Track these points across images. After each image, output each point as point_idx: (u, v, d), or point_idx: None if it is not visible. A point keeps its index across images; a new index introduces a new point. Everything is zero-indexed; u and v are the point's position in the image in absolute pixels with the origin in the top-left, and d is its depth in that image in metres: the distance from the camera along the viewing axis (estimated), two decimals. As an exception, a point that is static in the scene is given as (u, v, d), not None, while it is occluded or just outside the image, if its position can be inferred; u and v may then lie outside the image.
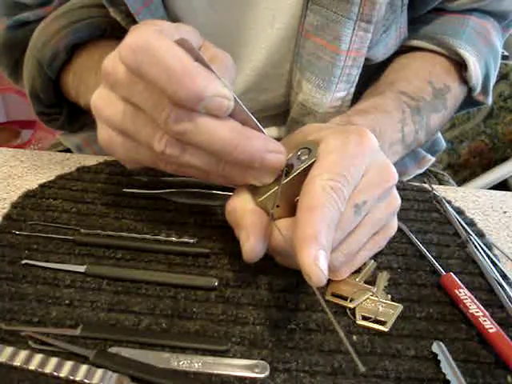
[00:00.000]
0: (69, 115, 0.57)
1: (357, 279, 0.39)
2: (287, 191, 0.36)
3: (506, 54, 1.05)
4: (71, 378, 0.31)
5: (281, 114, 0.58)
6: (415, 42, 0.57)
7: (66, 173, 0.50)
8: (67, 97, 0.55)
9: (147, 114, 0.34)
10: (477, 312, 0.36)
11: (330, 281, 0.39)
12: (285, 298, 0.38)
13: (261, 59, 0.53)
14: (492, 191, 0.53)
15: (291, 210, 0.36)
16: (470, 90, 0.58)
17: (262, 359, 0.33)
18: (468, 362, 0.34)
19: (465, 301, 0.37)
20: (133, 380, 0.31)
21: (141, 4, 0.47)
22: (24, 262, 0.39)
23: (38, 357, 0.32)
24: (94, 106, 0.37)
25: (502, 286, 0.39)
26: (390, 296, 0.38)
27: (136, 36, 0.32)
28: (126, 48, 0.32)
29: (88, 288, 0.38)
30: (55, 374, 0.31)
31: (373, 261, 0.41)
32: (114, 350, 0.33)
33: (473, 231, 0.45)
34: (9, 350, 0.32)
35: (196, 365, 0.33)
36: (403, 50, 0.58)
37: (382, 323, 0.36)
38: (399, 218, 0.40)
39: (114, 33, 0.52)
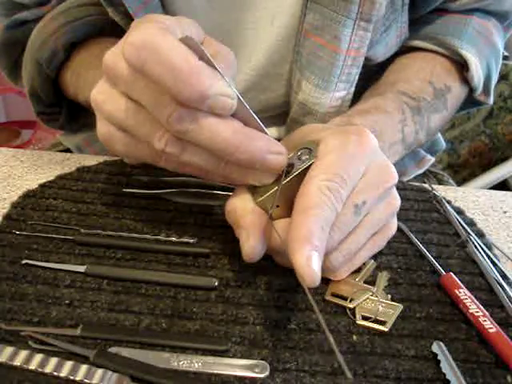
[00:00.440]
0: (68, 115, 0.57)
1: (357, 279, 0.39)
2: (287, 191, 0.36)
3: (506, 54, 1.05)
4: (71, 377, 0.31)
5: (281, 113, 0.58)
6: (416, 43, 0.57)
7: (66, 173, 0.50)
8: (66, 94, 0.55)
9: (148, 111, 0.34)
10: (477, 312, 0.36)
11: (329, 281, 0.39)
12: (285, 298, 0.38)
13: (260, 59, 0.53)
14: (492, 191, 0.53)
15: (291, 209, 0.36)
16: (472, 90, 0.58)
17: (262, 359, 0.33)
18: (468, 361, 0.34)
19: (465, 301, 0.37)
20: (133, 380, 0.31)
21: (139, 4, 0.47)
22: (24, 261, 0.39)
23: (38, 357, 0.32)
24: (94, 101, 0.37)
25: (501, 286, 0.39)
26: (389, 296, 0.38)
27: (140, 33, 0.31)
28: (130, 45, 0.32)
29: (88, 288, 0.38)
30: (55, 373, 0.31)
31: (373, 261, 0.41)
32: (113, 349, 0.33)
33: (473, 231, 0.45)
34: (9, 349, 0.32)
35: (196, 365, 0.33)
36: (404, 50, 0.58)
37: (382, 323, 0.36)
38: (399, 218, 0.40)
39: (112, 31, 0.52)
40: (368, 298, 0.38)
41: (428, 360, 0.34)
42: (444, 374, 0.33)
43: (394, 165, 0.38)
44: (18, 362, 0.32)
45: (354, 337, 0.35)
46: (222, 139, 0.33)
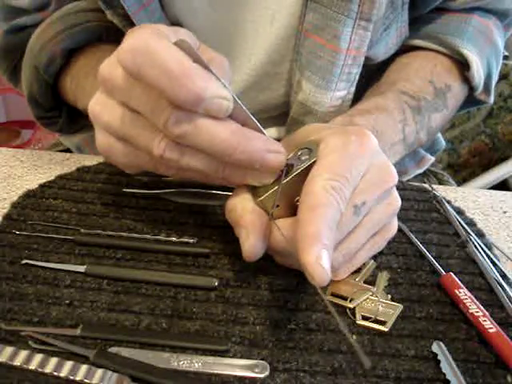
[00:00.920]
0: (68, 117, 0.57)
1: (357, 279, 0.39)
2: (287, 191, 0.36)
3: (506, 53, 1.05)
4: (71, 377, 0.31)
5: (281, 113, 0.58)
6: (417, 42, 0.57)
7: (66, 173, 0.50)
8: (65, 100, 0.55)
9: (146, 118, 0.34)
10: (477, 312, 0.36)
11: (329, 281, 0.39)
12: (285, 298, 0.38)
13: (260, 58, 0.53)
14: (492, 191, 0.53)
15: (291, 209, 0.36)
16: (472, 89, 0.58)
17: (262, 359, 0.33)
18: (468, 361, 0.34)
19: (465, 301, 0.37)
20: (133, 380, 0.31)
21: (138, 6, 0.47)
22: (24, 261, 0.39)
23: (38, 357, 0.32)
24: (91, 112, 0.37)
25: (501, 286, 0.39)
26: (389, 296, 0.38)
27: (134, 38, 0.32)
28: (125, 51, 0.32)
29: (88, 288, 0.38)
30: (55, 373, 0.31)
31: (373, 261, 0.41)
32: (114, 349, 0.33)
33: (473, 231, 0.45)
34: (9, 349, 0.32)
35: (196, 365, 0.33)
36: (404, 49, 0.58)
37: (382, 323, 0.36)
38: (399, 218, 0.40)
39: (110, 37, 0.52)
40: (368, 298, 0.38)
41: (428, 360, 0.34)
42: (444, 374, 0.33)
43: (394, 164, 0.38)
44: (17, 362, 0.32)
45: (354, 337, 0.35)
46: (220, 141, 0.33)
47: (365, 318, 0.36)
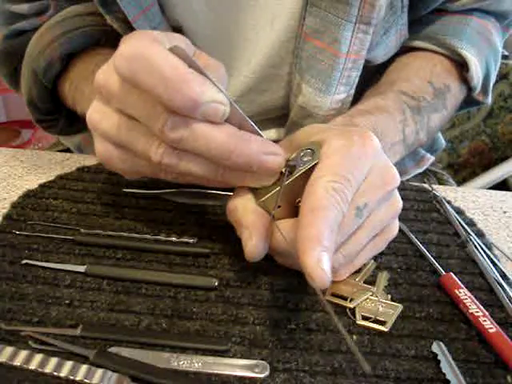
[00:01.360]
0: (67, 120, 0.57)
1: (357, 279, 0.39)
2: (289, 192, 0.35)
3: (506, 53, 1.05)
4: (71, 377, 0.31)
5: (280, 116, 0.58)
6: (416, 43, 0.57)
7: (66, 173, 0.50)
8: (65, 104, 0.55)
9: (143, 125, 0.34)
10: (477, 312, 0.36)
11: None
12: (285, 298, 0.38)
13: (260, 61, 0.53)
14: (492, 191, 0.53)
15: (292, 210, 0.36)
16: (470, 89, 0.58)
17: (262, 359, 0.33)
18: (468, 361, 0.34)
19: (465, 301, 0.37)
20: (133, 380, 0.31)
21: (138, 11, 0.47)
22: (24, 261, 0.39)
23: (38, 357, 0.32)
24: (89, 121, 0.37)
25: (501, 285, 0.39)
26: (389, 296, 0.38)
27: (129, 45, 0.32)
28: (120, 57, 0.32)
29: (88, 288, 0.38)
30: (55, 373, 0.31)
31: (373, 261, 0.41)
32: (114, 349, 0.33)
33: (473, 231, 0.45)
34: (9, 349, 0.32)
35: (196, 365, 0.33)
36: (404, 50, 0.58)
37: (382, 323, 0.36)
38: (399, 218, 0.40)
39: (108, 41, 0.52)
40: (368, 298, 0.38)
41: (428, 360, 0.34)
42: (444, 374, 0.33)
43: (394, 165, 0.38)
44: (18, 362, 0.32)
45: (354, 337, 0.35)
46: (216, 144, 0.33)
47: (365, 318, 0.36)
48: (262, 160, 0.34)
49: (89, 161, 0.52)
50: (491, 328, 0.35)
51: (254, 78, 0.54)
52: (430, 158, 0.66)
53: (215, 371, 0.32)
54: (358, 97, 0.54)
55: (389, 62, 0.58)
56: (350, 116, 0.46)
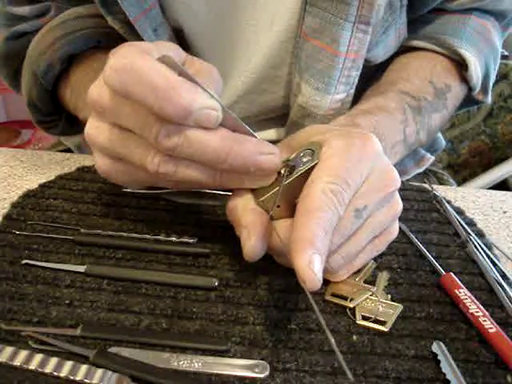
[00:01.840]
0: (67, 121, 0.57)
1: (357, 279, 0.39)
2: (288, 192, 0.35)
3: (505, 53, 1.05)
4: (71, 377, 0.31)
5: (280, 116, 0.58)
6: (416, 43, 0.57)
7: (66, 173, 0.50)
8: (66, 109, 0.55)
9: (137, 136, 0.34)
10: (477, 312, 0.36)
11: (329, 281, 0.39)
12: (285, 298, 0.38)
13: (260, 61, 0.53)
14: (492, 191, 0.53)
15: (292, 210, 0.36)
16: (470, 89, 0.58)
17: (261, 359, 0.33)
18: (468, 361, 0.34)
19: (465, 301, 0.37)
20: (133, 380, 0.31)
21: (139, 12, 0.47)
22: (24, 261, 0.39)
23: (38, 357, 0.32)
24: (87, 137, 0.37)
25: (501, 285, 0.39)
26: (389, 296, 0.38)
27: (118, 58, 0.32)
28: (110, 70, 0.32)
29: (88, 288, 0.38)
30: (55, 373, 0.31)
31: (373, 261, 0.41)
32: (114, 349, 0.33)
33: (473, 231, 0.45)
34: (9, 349, 0.32)
35: (196, 365, 0.33)
36: (403, 50, 0.58)
37: (382, 323, 0.36)
38: (399, 218, 0.40)
39: (108, 43, 0.52)
40: (368, 298, 0.38)
41: (428, 360, 0.34)
42: (444, 374, 0.33)
43: (394, 165, 0.38)
44: (18, 362, 0.32)
45: (354, 337, 0.35)
46: (211, 149, 0.33)
47: (365, 318, 0.36)
48: (258, 160, 0.34)
49: (89, 161, 0.52)
50: (491, 328, 0.35)
51: (254, 79, 0.54)
52: (430, 158, 0.66)
53: (215, 371, 0.32)
54: (358, 96, 0.54)
55: (388, 61, 0.58)
56: (352, 116, 0.46)
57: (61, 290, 0.37)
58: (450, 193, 0.51)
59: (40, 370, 0.32)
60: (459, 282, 0.39)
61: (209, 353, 0.34)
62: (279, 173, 0.36)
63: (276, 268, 0.39)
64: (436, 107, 0.53)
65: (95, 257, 0.40)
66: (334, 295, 0.38)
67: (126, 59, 0.32)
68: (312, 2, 0.47)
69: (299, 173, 0.35)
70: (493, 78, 0.59)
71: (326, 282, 0.39)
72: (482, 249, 0.43)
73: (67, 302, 0.36)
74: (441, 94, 0.54)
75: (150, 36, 0.49)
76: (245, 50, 0.53)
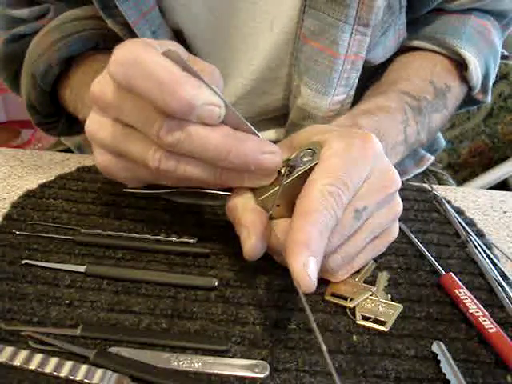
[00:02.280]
0: (67, 122, 0.57)
1: (357, 279, 0.39)
2: (288, 191, 0.35)
3: (506, 53, 1.05)
4: (71, 377, 0.31)
5: (280, 117, 0.58)
6: (415, 43, 0.57)
7: (66, 173, 0.50)
8: (66, 109, 0.55)
9: (139, 131, 0.34)
10: (477, 312, 0.36)
11: (329, 281, 0.39)
12: (285, 298, 0.38)
13: (260, 63, 0.53)
14: (492, 191, 0.53)
15: (292, 209, 0.36)
16: (470, 88, 0.58)
17: (261, 359, 0.33)
18: (468, 361, 0.34)
19: (465, 301, 0.37)
20: (133, 380, 0.31)
21: (138, 15, 0.48)
22: (24, 261, 0.39)
23: (38, 357, 0.32)
24: (87, 132, 0.37)
25: (502, 286, 0.39)
26: (389, 296, 0.38)
27: (124, 51, 0.32)
28: (115, 64, 0.32)
29: (88, 288, 0.38)
30: (55, 373, 0.31)
31: (372, 261, 0.41)
32: (114, 349, 0.33)
33: (473, 231, 0.45)
34: (9, 349, 0.32)
35: (196, 365, 0.33)
36: (403, 50, 0.58)
37: (382, 323, 0.36)
38: (399, 218, 0.40)
39: (107, 45, 0.52)
40: (368, 298, 0.38)
41: (428, 360, 0.34)
42: (444, 374, 0.33)
43: (394, 165, 0.38)
44: (18, 362, 0.32)
45: (354, 337, 0.35)
46: (213, 146, 0.33)
47: (365, 318, 0.36)
48: (260, 159, 0.34)
49: (89, 161, 0.52)
50: (491, 328, 0.35)
51: (253, 81, 0.54)
52: (430, 158, 0.66)
53: (215, 371, 0.32)
54: (358, 97, 0.54)
55: (388, 61, 0.58)
56: (353, 116, 0.46)
57: (61, 290, 0.37)
58: (450, 193, 0.51)
59: (40, 369, 0.32)
60: (459, 282, 0.39)
61: (209, 353, 0.34)
62: (279, 172, 0.36)
63: (276, 268, 0.39)
64: (436, 107, 0.53)
65: (95, 257, 0.40)
66: (333, 295, 0.38)
67: (130, 53, 0.32)
68: (311, 4, 0.47)
69: (299, 173, 0.35)
70: (493, 77, 0.59)
71: (326, 282, 0.39)
72: (482, 249, 0.43)
73: (67, 302, 0.36)
74: (441, 94, 0.54)
75: (149, 38, 0.49)
76: (244, 52, 0.53)
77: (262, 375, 0.32)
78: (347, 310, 0.37)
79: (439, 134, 0.70)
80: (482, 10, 0.58)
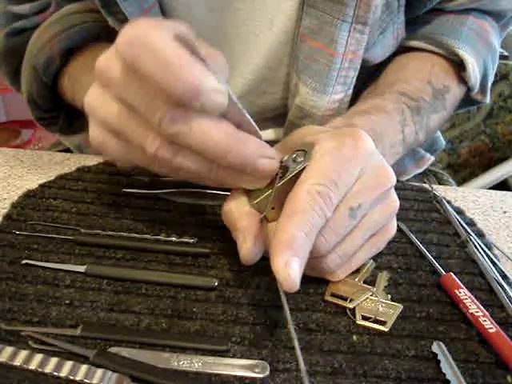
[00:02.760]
0: (67, 118, 0.57)
1: (356, 279, 0.39)
2: (282, 193, 0.35)
3: (505, 54, 1.05)
4: (71, 377, 0.31)
5: (279, 116, 0.58)
6: (413, 43, 0.57)
7: (66, 173, 0.50)
8: (64, 99, 0.55)
9: (141, 115, 0.33)
10: (477, 312, 0.36)
11: (329, 281, 0.39)
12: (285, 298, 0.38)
13: (259, 62, 0.53)
14: (492, 191, 0.53)
15: None
16: (469, 89, 0.58)
17: (261, 359, 0.33)
18: (468, 361, 0.34)
19: (465, 301, 0.37)
20: (133, 380, 0.31)
21: (139, 12, 0.48)
22: (24, 261, 0.39)
23: (38, 357, 0.32)
24: (87, 105, 0.36)
25: (501, 286, 0.39)
26: (389, 296, 0.38)
27: (133, 29, 0.31)
28: (122, 41, 0.31)
29: (88, 288, 0.38)
30: (55, 373, 0.31)
31: (372, 261, 0.41)
32: (114, 349, 0.33)
33: (473, 231, 0.45)
34: (9, 349, 0.32)
35: (196, 365, 0.33)
36: (401, 50, 0.58)
37: (382, 323, 0.36)
38: (399, 218, 0.40)
39: (107, 37, 0.52)
40: (368, 298, 0.38)
41: (428, 360, 0.34)
42: (444, 374, 0.33)
43: (393, 165, 0.38)
44: (17, 362, 0.32)
45: (354, 337, 0.35)
46: (214, 143, 0.32)
47: (365, 318, 0.36)
48: (257, 163, 0.34)
49: (89, 161, 0.52)
50: (491, 328, 0.35)
51: (252, 80, 0.54)
52: (430, 159, 0.66)
53: (215, 371, 0.32)
54: (356, 98, 0.54)
55: (386, 61, 0.58)
56: (349, 117, 0.46)
57: (61, 290, 0.37)
58: (450, 193, 0.51)
59: (40, 370, 0.31)
60: (459, 282, 0.39)
61: (209, 353, 0.34)
62: (276, 175, 0.36)
63: (276, 268, 0.39)
64: (434, 108, 0.53)
65: (95, 257, 0.40)
66: (333, 295, 0.38)
67: (139, 31, 0.31)
68: (309, 3, 0.48)
69: (291, 174, 0.35)
70: (491, 78, 0.59)
71: (326, 282, 0.39)
72: (482, 249, 0.43)
73: (67, 302, 0.36)
74: (439, 95, 0.54)
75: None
76: (243, 51, 0.53)
77: (261, 375, 0.32)
78: (347, 310, 0.37)
79: (439, 134, 0.70)
80: (480, 11, 0.58)
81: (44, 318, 0.35)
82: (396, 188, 0.39)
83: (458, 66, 0.56)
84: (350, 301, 0.37)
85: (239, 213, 0.36)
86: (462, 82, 0.57)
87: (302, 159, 0.35)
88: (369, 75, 0.57)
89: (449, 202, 0.49)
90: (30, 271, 0.38)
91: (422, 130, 0.52)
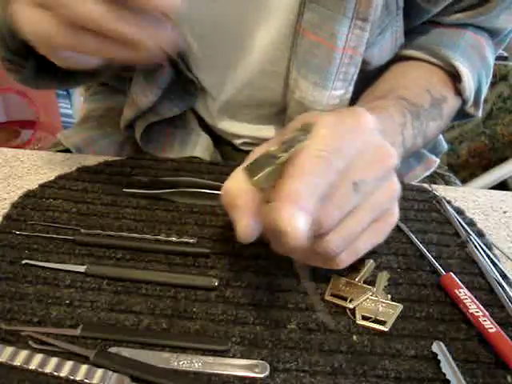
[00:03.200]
0: (34, 71, 0.54)
1: (356, 279, 0.39)
2: (283, 172, 0.35)
3: (505, 55, 1.05)
4: (71, 377, 0.31)
5: (278, 112, 0.58)
6: (410, 52, 0.57)
7: (66, 173, 0.50)
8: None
9: None
10: (477, 312, 0.36)
11: (329, 281, 0.39)
12: (285, 298, 0.38)
13: (259, 56, 0.53)
14: (492, 191, 0.53)
15: None
16: (463, 102, 0.58)
17: (261, 359, 0.33)
18: (468, 362, 0.34)
19: (465, 301, 0.37)
20: (133, 380, 0.31)
21: None
22: (24, 261, 0.39)
23: (38, 357, 0.32)
24: None
25: (501, 285, 0.39)
26: (389, 296, 0.38)
27: None
28: None
29: (88, 288, 0.38)
30: (55, 373, 0.31)
31: (372, 261, 0.41)
32: (113, 349, 0.33)
33: (473, 231, 0.45)
34: (9, 349, 0.32)
35: (196, 365, 0.33)
36: (398, 59, 0.58)
37: (382, 323, 0.36)
38: (399, 218, 0.40)
39: None
40: (368, 298, 0.38)
41: (428, 360, 0.34)
42: (444, 374, 0.33)
43: (402, 167, 0.38)
44: (18, 362, 0.32)
45: (354, 337, 0.35)
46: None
47: (365, 318, 0.36)
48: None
49: (89, 161, 0.52)
50: (491, 328, 0.35)
51: (253, 74, 0.54)
52: (436, 160, 0.66)
53: (215, 371, 0.32)
54: (356, 99, 0.54)
55: (383, 70, 0.58)
56: None
57: (61, 290, 0.37)
58: (449, 193, 0.51)
59: (40, 369, 0.32)
60: (459, 282, 0.39)
61: (209, 353, 0.34)
62: (274, 156, 0.35)
63: (276, 268, 0.39)
64: (432, 116, 0.53)
65: (95, 257, 0.40)
66: (333, 295, 0.38)
67: None
68: None
69: (293, 149, 0.35)
70: (484, 92, 0.60)
71: (326, 282, 0.39)
72: (482, 249, 0.43)
73: (67, 302, 0.36)
74: (437, 104, 0.54)
75: None
76: (244, 45, 0.53)
77: (262, 375, 0.32)
78: (347, 310, 0.37)
79: (440, 136, 0.70)
80: (477, 27, 0.58)
81: (44, 318, 0.35)
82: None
83: (454, 78, 0.56)
84: (350, 301, 0.37)
85: (238, 190, 0.35)
86: (458, 94, 0.57)
87: (304, 137, 0.35)
88: (369, 80, 0.57)
89: (449, 201, 0.49)
90: (30, 271, 0.38)
91: (420, 135, 0.52)
